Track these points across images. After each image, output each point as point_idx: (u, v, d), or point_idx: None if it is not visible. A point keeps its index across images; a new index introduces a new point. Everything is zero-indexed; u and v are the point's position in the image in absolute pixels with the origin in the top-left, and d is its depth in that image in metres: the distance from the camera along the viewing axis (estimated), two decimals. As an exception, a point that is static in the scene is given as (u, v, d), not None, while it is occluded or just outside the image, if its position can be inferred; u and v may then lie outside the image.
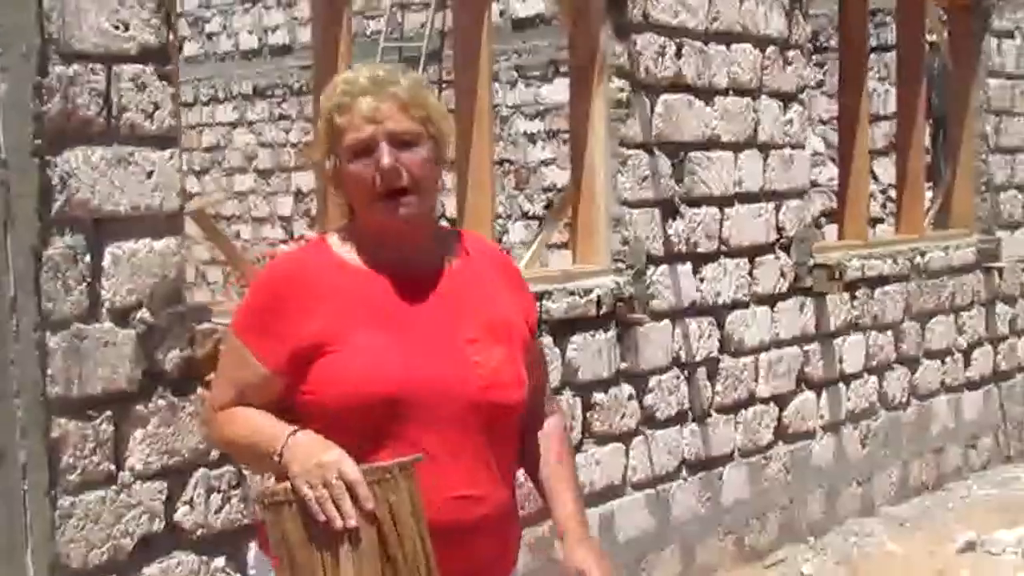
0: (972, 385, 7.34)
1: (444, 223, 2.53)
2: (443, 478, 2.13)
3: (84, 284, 3.26)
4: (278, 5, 12.92)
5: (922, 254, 6.82)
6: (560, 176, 10.61)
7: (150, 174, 3.40)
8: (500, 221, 11.05)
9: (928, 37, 7.26)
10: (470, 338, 2.21)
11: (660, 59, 5.04)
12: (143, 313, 3.38)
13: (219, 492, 3.59)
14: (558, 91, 10.50)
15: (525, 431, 2.39)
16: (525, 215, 10.93)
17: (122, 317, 3.34)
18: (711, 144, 5.34)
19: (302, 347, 2.15)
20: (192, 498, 3.52)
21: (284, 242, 13.06)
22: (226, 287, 12.64)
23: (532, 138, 10.77)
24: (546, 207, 10.72)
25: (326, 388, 2.13)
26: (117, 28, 3.31)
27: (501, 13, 10.63)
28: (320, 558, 2.01)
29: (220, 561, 3.60)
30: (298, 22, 12.58)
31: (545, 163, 10.76)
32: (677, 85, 5.13)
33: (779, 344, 5.78)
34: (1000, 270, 7.51)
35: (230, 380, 2.31)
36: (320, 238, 2.37)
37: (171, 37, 3.45)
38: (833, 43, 8.35)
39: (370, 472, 2.01)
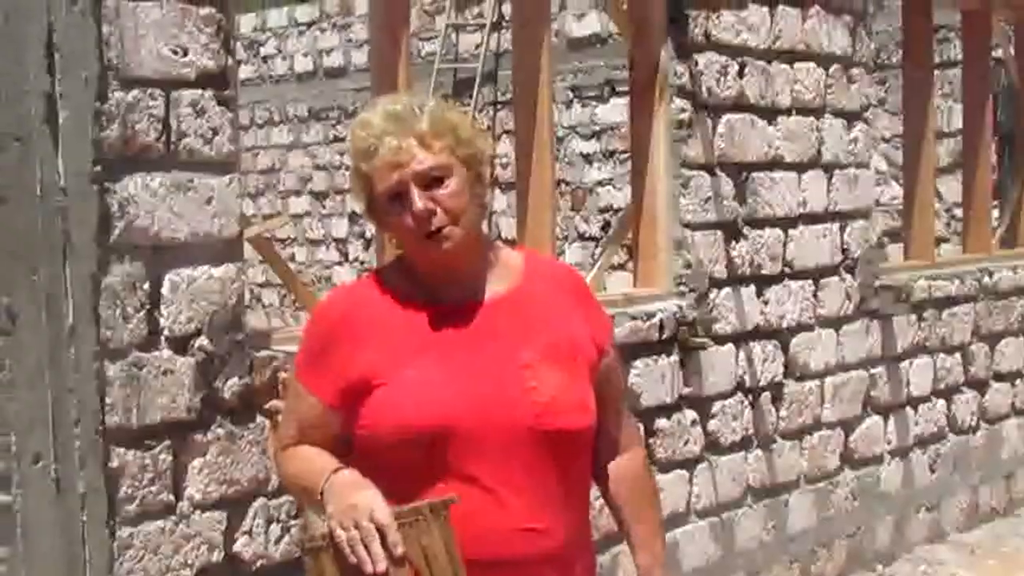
0: (1043, 408, 7.22)
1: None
2: (504, 510, 2.10)
3: (143, 312, 3.24)
4: (332, 28, 12.98)
5: (990, 274, 6.73)
6: (616, 197, 10.57)
7: (209, 200, 3.38)
8: (557, 242, 11.03)
9: (994, 53, 7.15)
10: (526, 363, 2.16)
11: (722, 78, 4.99)
12: (202, 341, 3.36)
13: (278, 522, 3.56)
14: (614, 111, 10.48)
15: (600, 455, 2.33)
16: (581, 236, 10.88)
17: (181, 345, 3.32)
18: (774, 164, 5.28)
19: (353, 381, 2.15)
20: (251, 528, 3.50)
21: (339, 263, 13.10)
22: (282, 310, 12.73)
23: (588, 158, 10.74)
24: (603, 228, 10.69)
25: (378, 422, 2.12)
26: (176, 53, 3.30)
27: (556, 33, 10.58)
28: None
29: (280, 591, 3.57)
30: (352, 44, 12.64)
31: (601, 183, 10.72)
32: (739, 105, 5.08)
33: (845, 368, 5.71)
34: (1072, 291, 7.39)
35: (292, 417, 2.31)
36: (372, 273, 2.33)
37: (229, 62, 3.43)
38: (895, 59, 8.29)
39: (401, 515, 1.98)
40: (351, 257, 12.99)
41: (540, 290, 2.26)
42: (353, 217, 12.93)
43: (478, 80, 10.80)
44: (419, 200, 2.08)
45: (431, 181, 2.09)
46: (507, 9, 11.14)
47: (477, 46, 11.18)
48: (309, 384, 2.23)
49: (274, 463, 2.40)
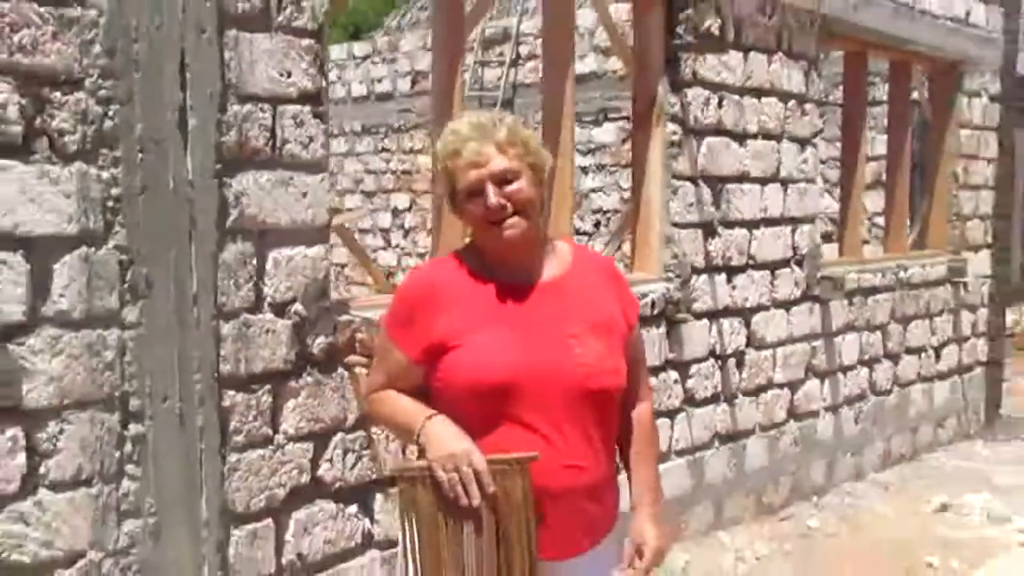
0: (941, 376, 7.27)
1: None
2: (554, 450, 2.12)
3: (251, 283, 3.24)
4: (382, 61, 12.97)
5: (904, 270, 6.73)
6: (606, 201, 10.66)
7: (304, 194, 3.36)
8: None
9: (913, 95, 7.15)
10: (573, 333, 2.18)
11: (705, 108, 4.97)
12: (297, 307, 3.36)
13: (353, 452, 3.56)
14: (606, 133, 10.54)
15: (625, 405, 2.33)
16: (577, 232, 10.86)
17: (280, 310, 3.31)
18: (743, 178, 5.28)
19: (434, 342, 2.16)
20: (332, 457, 3.50)
21: (383, 248, 13.11)
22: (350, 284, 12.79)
23: (585, 170, 10.71)
24: (595, 225, 10.71)
25: (453, 376, 2.14)
26: (282, 75, 3.28)
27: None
28: (444, 530, 2.05)
29: (353, 508, 3.59)
30: (398, 74, 12.66)
31: (594, 190, 10.73)
32: (718, 130, 5.08)
33: (792, 340, 5.71)
34: (965, 284, 7.43)
35: (381, 368, 2.32)
36: (451, 254, 2.31)
37: (323, 84, 3.41)
38: (831, 98, 8.25)
39: (493, 462, 2.03)
40: (393, 244, 13.01)
41: (585, 276, 2.27)
42: (395, 212, 12.94)
43: (499, 105, 10.76)
44: (493, 196, 2.10)
45: (503, 180, 2.09)
46: (523, 50, 11.15)
47: (498, 78, 11.15)
48: (397, 341, 2.24)
49: (364, 403, 2.38)
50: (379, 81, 13.00)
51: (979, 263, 7.59)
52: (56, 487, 2.79)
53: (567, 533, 2.15)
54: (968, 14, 7.12)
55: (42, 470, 2.76)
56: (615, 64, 10.43)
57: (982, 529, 5.47)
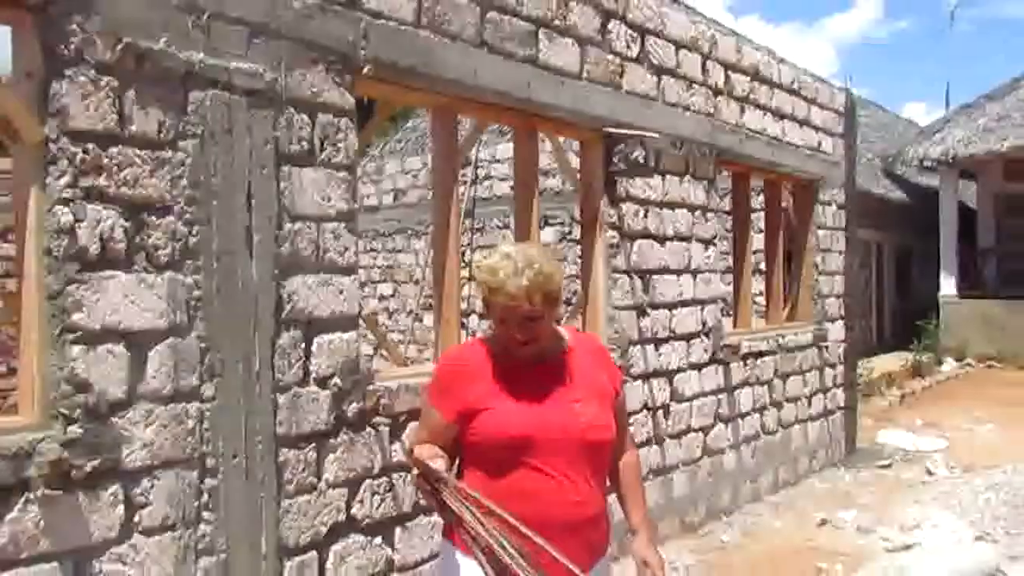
0: (812, 418, 7.27)
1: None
2: (565, 490, 2.12)
3: (300, 362, 3.18)
4: (370, 181, 12.98)
5: (782, 337, 6.77)
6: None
7: (341, 291, 3.32)
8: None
9: (784, 203, 7.30)
10: (576, 399, 2.19)
11: (635, 218, 5.02)
12: (335, 380, 3.28)
13: (378, 495, 3.46)
14: (547, 235, 10.54)
15: (614, 455, 2.32)
16: None
17: (323, 383, 3.25)
18: (664, 271, 5.30)
19: (467, 407, 2.15)
20: (362, 499, 3.40)
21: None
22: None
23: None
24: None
25: (484, 432, 2.13)
26: (324, 200, 3.26)
27: (511, 187, 10.75)
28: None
29: (378, 540, 3.47)
30: (382, 191, 12.65)
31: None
32: (645, 234, 5.11)
33: (704, 394, 5.69)
34: (827, 347, 7.50)
35: (424, 427, 2.31)
36: (477, 339, 2.30)
37: (355, 206, 3.39)
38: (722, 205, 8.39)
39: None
40: (379, 323, 12.86)
41: (581, 354, 2.27)
42: (381, 298, 12.80)
43: (462, 214, 10.78)
44: (520, 333, 2.12)
45: (529, 319, 2.09)
46: (480, 172, 11.22)
47: (462, 194, 11.19)
48: (437, 406, 2.23)
49: (408, 456, 2.33)
50: (367, 197, 12.98)
51: (835, 331, 7.69)
52: (147, 532, 2.69)
53: (576, 555, 2.12)
54: (820, 144, 7.34)
55: (136, 518, 2.66)
56: (553, 183, 10.58)
57: (855, 539, 5.43)
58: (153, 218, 2.71)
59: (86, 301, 2.53)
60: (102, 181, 2.58)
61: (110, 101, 2.60)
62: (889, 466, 7.48)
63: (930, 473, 7.14)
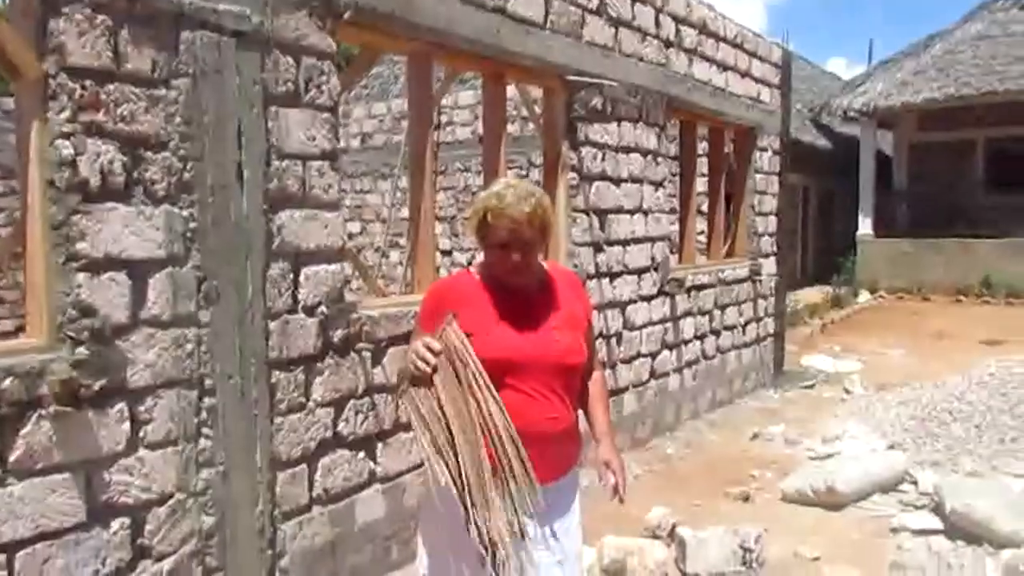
0: (746, 345, 7.42)
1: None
2: (540, 407, 2.15)
3: (289, 291, 3.15)
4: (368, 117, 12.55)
5: (722, 271, 6.88)
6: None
7: (326, 226, 3.28)
8: (462, 252, 11.01)
9: (726, 149, 7.34)
10: (554, 327, 2.20)
11: (594, 161, 5.01)
12: (322, 308, 3.27)
13: (361, 413, 3.48)
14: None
15: (583, 378, 2.34)
16: (463, 248, 10.90)
17: (310, 311, 3.23)
18: (619, 210, 5.32)
19: None
20: (347, 417, 3.42)
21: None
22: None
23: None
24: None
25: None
26: (309, 140, 3.19)
27: (472, 132, 10.57)
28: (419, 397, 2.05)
29: (361, 454, 3.50)
30: (350, 135, 12.34)
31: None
32: (602, 176, 5.11)
33: (652, 324, 5.78)
34: (760, 280, 7.62)
35: None
36: (466, 269, 2.30)
37: (338, 145, 3.33)
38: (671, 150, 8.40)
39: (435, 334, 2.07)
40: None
41: (559, 285, 2.28)
42: (350, 236, 12.61)
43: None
44: (515, 256, 2.10)
45: (524, 244, 2.09)
46: (443, 118, 11.05)
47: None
48: (426, 329, 2.19)
49: (400, 376, 2.33)
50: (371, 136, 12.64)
51: (768, 266, 7.82)
52: (152, 446, 2.68)
53: (550, 464, 2.16)
54: (759, 95, 7.37)
55: (141, 434, 2.65)
56: (512, 129, 10.45)
57: (783, 450, 5.64)
58: (149, 153, 2.63)
59: (89, 231, 2.47)
60: (100, 117, 2.49)
61: (105, 39, 2.50)
62: (812, 386, 7.72)
63: (848, 392, 7.40)
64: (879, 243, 15.26)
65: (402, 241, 11.49)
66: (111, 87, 2.52)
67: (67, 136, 2.42)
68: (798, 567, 3.73)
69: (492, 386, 2.04)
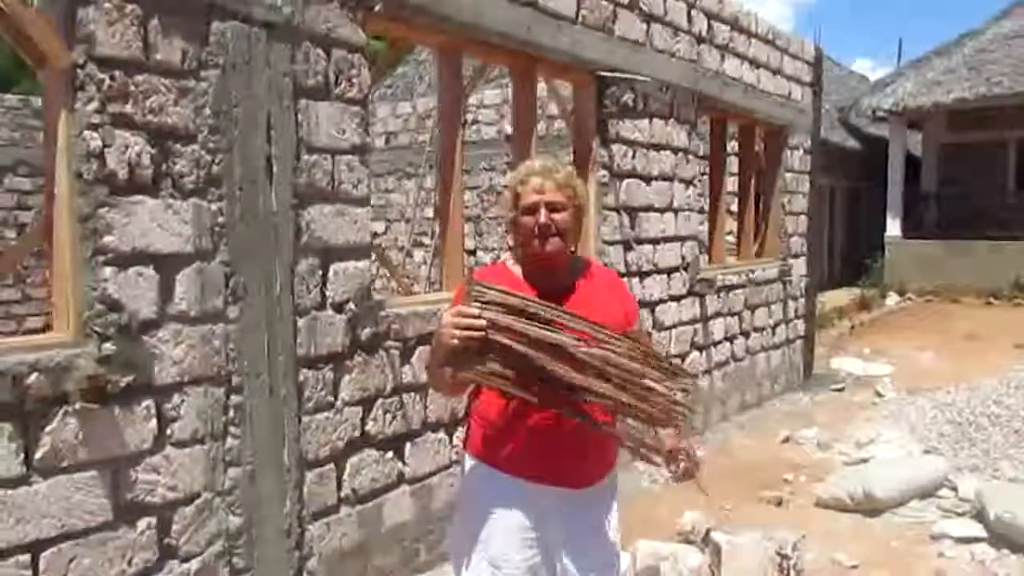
0: (776, 347, 7.30)
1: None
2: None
3: (318, 288, 3.07)
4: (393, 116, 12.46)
5: (752, 272, 6.76)
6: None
7: (355, 222, 3.21)
8: (487, 251, 10.92)
9: (756, 148, 7.21)
10: None
11: (624, 159, 4.91)
12: (351, 305, 3.20)
13: (390, 412, 3.41)
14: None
15: None
16: (487, 248, 10.82)
17: (339, 308, 3.16)
18: (649, 208, 5.21)
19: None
20: (376, 416, 3.34)
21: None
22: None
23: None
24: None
25: None
26: (339, 133, 3.12)
27: (498, 131, 10.49)
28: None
29: (390, 454, 3.43)
30: (375, 134, 12.30)
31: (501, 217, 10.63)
32: (633, 174, 5.01)
33: (682, 324, 5.67)
34: (790, 281, 7.50)
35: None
36: (500, 263, 2.20)
37: (367, 139, 3.26)
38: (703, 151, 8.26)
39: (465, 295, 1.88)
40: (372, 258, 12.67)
41: (599, 283, 2.18)
42: (374, 235, 12.57)
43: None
44: (544, 215, 2.00)
45: (554, 208, 2.00)
46: (468, 116, 10.96)
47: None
48: None
49: (428, 373, 2.25)
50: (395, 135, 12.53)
51: (798, 266, 7.69)
52: (179, 445, 2.62)
53: (586, 470, 2.07)
54: (790, 93, 7.23)
55: (168, 432, 2.59)
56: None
57: (815, 454, 5.50)
58: (178, 146, 2.57)
59: (116, 224, 2.41)
60: (129, 108, 2.43)
61: (135, 29, 2.44)
62: (842, 389, 7.55)
63: (879, 395, 7.22)
64: (907, 244, 14.98)
65: (426, 240, 11.44)
66: (140, 78, 2.46)
67: (95, 127, 2.36)
68: (837, 575, 3.60)
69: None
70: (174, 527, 2.61)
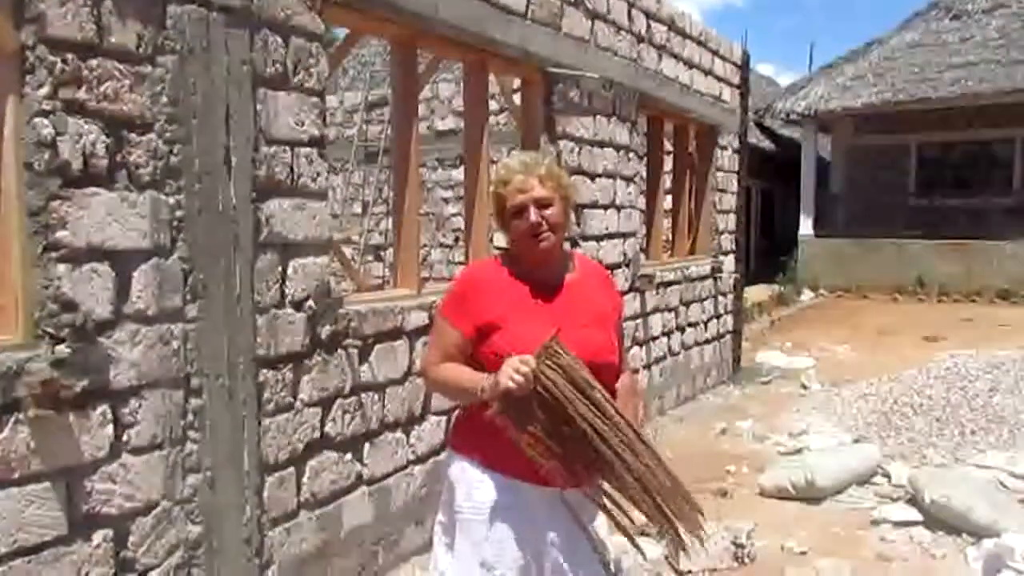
0: (708, 341, 7.45)
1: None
2: None
3: (278, 285, 2.96)
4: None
5: (687, 268, 6.89)
6: (462, 222, 10.34)
7: (314, 216, 3.10)
8: (426, 249, 10.77)
9: (689, 147, 7.34)
10: (584, 323, 2.06)
11: (570, 155, 4.92)
12: (310, 303, 3.09)
13: (349, 413, 3.31)
14: (462, 173, 10.25)
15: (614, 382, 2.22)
16: (441, 245, 10.67)
17: (298, 305, 3.06)
18: (594, 205, 5.25)
19: (482, 323, 2.02)
20: (335, 417, 3.24)
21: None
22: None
23: (447, 200, 10.52)
24: (455, 240, 10.49)
25: (498, 348, 1.97)
26: (298, 125, 3.01)
27: (429, 127, 10.35)
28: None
29: (349, 456, 3.33)
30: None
31: (453, 215, 10.51)
32: (578, 170, 5.01)
33: (624, 320, 5.65)
34: (721, 277, 7.67)
35: (439, 345, 2.12)
36: (493, 258, 2.16)
37: (325, 131, 3.15)
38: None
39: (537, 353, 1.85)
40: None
41: (587, 279, 2.17)
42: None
43: (381, 153, 10.42)
44: (534, 215, 1.97)
45: (541, 205, 1.97)
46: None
47: (380, 132, 10.74)
48: (453, 321, 2.07)
49: (424, 374, 2.19)
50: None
51: (728, 263, 7.89)
52: (136, 451, 2.47)
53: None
54: (721, 93, 7.40)
55: (125, 438, 2.44)
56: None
57: (751, 445, 5.63)
58: (134, 135, 2.42)
59: (70, 218, 2.25)
60: (82, 94, 2.27)
61: (88, 10, 2.28)
62: (769, 382, 7.79)
63: (804, 387, 7.47)
64: (819, 243, 15.60)
65: (354, 238, 11.24)
66: (94, 62, 2.30)
67: (46, 114, 2.20)
68: (788, 561, 3.70)
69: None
70: (131, 538, 2.46)
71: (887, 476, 4.70)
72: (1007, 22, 14.99)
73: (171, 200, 2.53)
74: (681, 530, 1.98)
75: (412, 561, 3.63)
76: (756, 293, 13.44)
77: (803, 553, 3.79)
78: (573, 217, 4.95)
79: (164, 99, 2.50)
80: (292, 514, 3.05)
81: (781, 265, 15.32)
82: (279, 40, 2.91)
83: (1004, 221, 15.09)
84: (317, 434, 3.15)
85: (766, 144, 16.99)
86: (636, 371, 5.90)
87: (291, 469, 3.04)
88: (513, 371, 1.81)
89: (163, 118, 2.49)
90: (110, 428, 2.38)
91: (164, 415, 2.54)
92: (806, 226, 15.82)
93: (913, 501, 4.22)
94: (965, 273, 14.03)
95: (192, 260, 2.60)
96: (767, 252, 16.60)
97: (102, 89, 2.33)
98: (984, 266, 13.91)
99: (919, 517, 4.08)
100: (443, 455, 3.65)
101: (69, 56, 2.24)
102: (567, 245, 4.11)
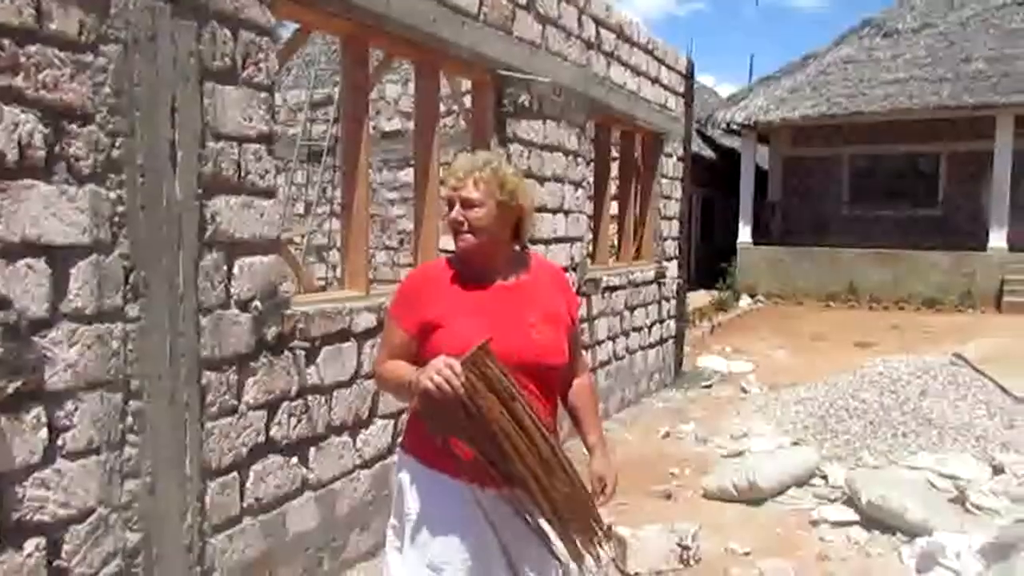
0: (652, 346, 7.54)
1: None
2: None
3: (223, 284, 2.87)
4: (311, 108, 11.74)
5: (632, 273, 6.95)
6: (407, 224, 10.27)
7: (262, 214, 3.03)
8: (371, 251, 10.63)
9: (635, 154, 7.42)
10: (531, 323, 2.04)
11: (521, 158, 4.92)
12: (256, 303, 3.01)
13: (294, 416, 3.24)
14: (408, 175, 10.12)
15: (565, 382, 2.22)
16: (386, 247, 10.53)
17: (244, 306, 2.97)
18: (543, 209, 5.25)
19: (426, 322, 1.99)
20: (280, 420, 3.16)
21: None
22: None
23: (392, 202, 10.40)
24: (400, 243, 10.39)
25: (440, 348, 1.92)
26: (246, 120, 2.93)
27: (374, 127, 10.21)
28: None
29: (294, 459, 3.25)
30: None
31: (399, 217, 10.38)
32: (528, 174, 5.00)
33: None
34: (664, 283, 7.76)
35: (386, 344, 2.11)
36: (441, 259, 2.13)
37: (274, 127, 3.08)
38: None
39: (463, 359, 1.80)
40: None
41: (541, 280, 2.14)
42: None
43: (324, 152, 10.26)
44: (454, 212, 2.00)
45: (468, 204, 1.96)
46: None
47: (324, 132, 10.59)
48: (400, 319, 2.05)
49: (374, 372, 2.16)
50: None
51: (672, 269, 7.99)
52: (71, 456, 2.36)
53: None
54: (666, 101, 7.50)
55: (60, 442, 2.32)
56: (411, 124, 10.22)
57: (694, 448, 5.72)
58: (74, 126, 2.31)
59: (4, 211, 2.14)
60: (20, 81, 2.16)
61: (27, -7, 2.18)
62: (710, 386, 7.92)
63: (744, 391, 7.63)
64: (757, 250, 15.96)
65: (296, 239, 11.03)
66: (32, 48, 2.19)
67: (-20, 101, 2.08)
68: (732, 562, 3.75)
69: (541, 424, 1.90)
70: (65, 547, 2.35)
71: (825, 478, 4.82)
72: (935, 41, 15.60)
73: (112, 195, 2.43)
74: (582, 550, 1.98)
75: (357, 567, 3.57)
76: (697, 299, 13.67)
77: (747, 554, 3.85)
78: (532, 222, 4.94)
79: (107, 90, 2.39)
80: (235, 520, 2.95)
81: (721, 272, 15.63)
82: (228, 33, 2.83)
83: (930, 231, 15.71)
84: (262, 438, 3.07)
85: (707, 153, 17.32)
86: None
87: (234, 474, 2.95)
88: (435, 372, 1.79)
89: (105, 109, 2.39)
90: (44, 432, 2.27)
91: (102, 418, 2.43)
92: (745, 234, 16.16)
93: (850, 502, 4.33)
94: (893, 281, 14.52)
95: (134, 257, 2.50)
96: (707, 259, 16.91)
97: (40, 77, 2.22)
98: (911, 274, 14.42)
99: (856, 517, 4.19)
100: (390, 459, 3.59)
101: (5, 42, 2.13)
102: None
